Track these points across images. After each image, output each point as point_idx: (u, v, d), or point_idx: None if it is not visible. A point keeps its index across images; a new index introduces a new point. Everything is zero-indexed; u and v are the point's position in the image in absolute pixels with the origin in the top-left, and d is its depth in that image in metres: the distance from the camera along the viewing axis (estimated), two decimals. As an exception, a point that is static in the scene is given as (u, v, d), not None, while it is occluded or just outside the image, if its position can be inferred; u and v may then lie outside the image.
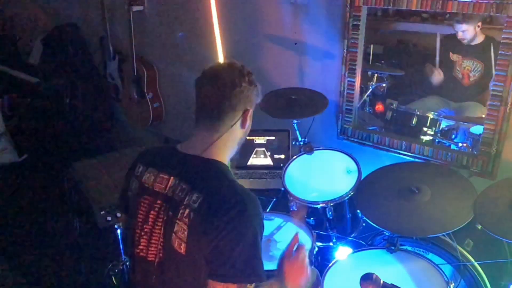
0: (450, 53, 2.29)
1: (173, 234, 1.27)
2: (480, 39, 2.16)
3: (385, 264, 1.71)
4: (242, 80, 1.34)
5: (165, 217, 1.31)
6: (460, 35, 2.17)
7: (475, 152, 2.10)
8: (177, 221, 1.26)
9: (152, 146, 1.52)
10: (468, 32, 2.15)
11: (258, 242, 1.23)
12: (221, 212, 1.20)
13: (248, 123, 1.40)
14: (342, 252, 1.82)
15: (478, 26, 2.12)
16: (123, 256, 2.22)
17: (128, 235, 1.41)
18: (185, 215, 1.25)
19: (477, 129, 2.13)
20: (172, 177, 1.32)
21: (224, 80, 1.32)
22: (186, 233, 1.24)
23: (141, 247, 1.35)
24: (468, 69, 2.25)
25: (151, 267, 1.33)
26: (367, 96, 2.52)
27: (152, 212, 1.33)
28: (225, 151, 1.37)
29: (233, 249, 1.19)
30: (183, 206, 1.26)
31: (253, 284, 1.23)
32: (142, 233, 1.34)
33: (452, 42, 2.25)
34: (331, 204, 1.99)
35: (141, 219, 1.35)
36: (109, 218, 2.24)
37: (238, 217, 1.20)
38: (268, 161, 2.57)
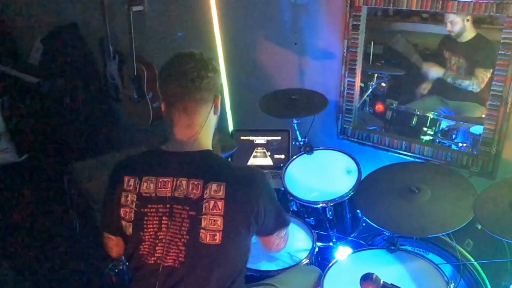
0: (444, 50, 2.29)
1: (201, 230, 1.29)
2: (470, 35, 2.15)
3: (385, 264, 1.71)
4: (207, 71, 1.35)
5: (185, 217, 1.30)
6: (448, 26, 2.16)
7: (475, 152, 2.10)
8: (203, 216, 1.29)
9: (130, 155, 1.46)
10: (456, 24, 2.14)
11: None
12: (249, 187, 1.34)
13: (219, 108, 1.45)
14: (342, 252, 1.82)
15: (468, 20, 2.11)
16: (123, 256, 2.21)
17: (133, 249, 1.37)
18: (211, 207, 1.29)
19: (477, 129, 2.13)
20: (174, 178, 1.32)
21: (191, 76, 1.33)
22: (219, 221, 1.28)
23: (157, 254, 1.32)
24: (455, 65, 2.26)
25: (168, 272, 1.31)
26: (367, 96, 2.52)
27: (164, 218, 1.32)
28: (208, 140, 1.42)
29: (271, 206, 1.41)
30: (205, 200, 1.29)
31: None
32: (157, 241, 1.33)
33: (448, 40, 2.25)
34: (331, 204, 1.99)
35: (153, 228, 1.33)
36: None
37: (263, 183, 1.38)
38: (268, 161, 2.57)
